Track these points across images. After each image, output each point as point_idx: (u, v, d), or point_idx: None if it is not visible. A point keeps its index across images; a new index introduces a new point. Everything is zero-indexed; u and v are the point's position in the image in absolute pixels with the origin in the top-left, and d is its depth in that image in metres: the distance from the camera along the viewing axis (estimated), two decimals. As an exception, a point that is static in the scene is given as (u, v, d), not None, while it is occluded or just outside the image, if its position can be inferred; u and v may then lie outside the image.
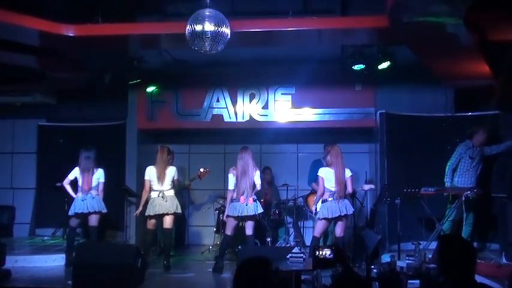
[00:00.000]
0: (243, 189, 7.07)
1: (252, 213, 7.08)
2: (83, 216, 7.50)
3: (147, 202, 7.45)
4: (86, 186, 7.42)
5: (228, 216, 7.20)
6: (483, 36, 5.94)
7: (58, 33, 6.70)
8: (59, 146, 9.58)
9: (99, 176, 7.55)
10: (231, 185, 7.21)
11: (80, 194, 7.45)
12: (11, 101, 9.61)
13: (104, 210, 7.53)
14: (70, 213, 7.51)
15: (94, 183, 7.49)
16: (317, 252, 4.79)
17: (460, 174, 7.47)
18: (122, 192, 8.72)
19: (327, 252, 4.63)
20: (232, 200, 7.16)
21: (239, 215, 7.08)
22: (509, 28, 5.82)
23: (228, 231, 7.25)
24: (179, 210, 7.48)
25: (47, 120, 10.13)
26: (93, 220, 7.49)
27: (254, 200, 7.13)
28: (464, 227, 7.31)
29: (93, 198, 7.43)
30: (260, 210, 7.20)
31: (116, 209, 9.11)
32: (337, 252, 3.94)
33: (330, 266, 4.80)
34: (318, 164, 8.25)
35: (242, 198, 7.06)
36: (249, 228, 7.19)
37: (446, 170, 7.50)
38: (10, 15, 6.31)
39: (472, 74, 7.39)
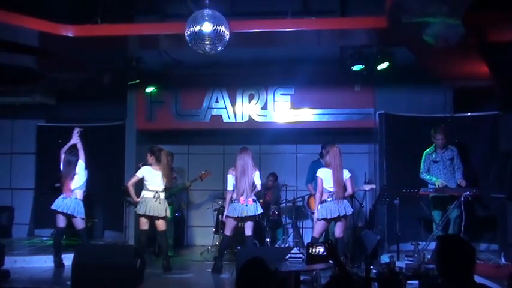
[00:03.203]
0: (242, 189, 7.07)
1: (252, 213, 7.09)
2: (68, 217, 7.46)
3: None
4: (67, 189, 7.37)
5: (227, 216, 7.21)
6: (482, 37, 5.94)
7: (57, 33, 6.70)
8: (58, 147, 9.56)
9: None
10: (229, 185, 7.22)
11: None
12: (10, 101, 9.61)
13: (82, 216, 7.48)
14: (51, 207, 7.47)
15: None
16: (310, 249, 4.80)
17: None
18: (120, 193, 8.71)
19: (320, 249, 4.63)
20: (232, 201, 7.17)
21: (239, 215, 7.08)
22: (508, 28, 5.82)
23: (228, 232, 7.25)
24: (168, 214, 7.48)
25: (46, 120, 10.13)
26: (79, 223, 7.46)
27: (254, 201, 7.14)
28: (450, 227, 7.33)
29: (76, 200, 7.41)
30: (260, 210, 7.21)
31: (114, 210, 9.12)
32: (329, 248, 3.95)
33: (323, 261, 4.80)
34: (316, 165, 8.26)
35: (242, 198, 7.06)
36: (248, 228, 7.19)
37: (421, 176, 7.54)
38: (10, 15, 6.32)
39: (471, 75, 7.39)
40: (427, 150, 7.60)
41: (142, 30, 7.19)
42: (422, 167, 7.57)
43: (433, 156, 7.54)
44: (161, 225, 7.38)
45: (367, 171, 8.90)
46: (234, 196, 7.14)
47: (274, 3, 7.94)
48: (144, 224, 7.40)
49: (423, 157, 7.59)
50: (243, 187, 7.07)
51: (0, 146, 10.19)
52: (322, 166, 7.82)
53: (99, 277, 5.69)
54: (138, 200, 7.33)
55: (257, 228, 7.93)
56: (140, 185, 7.48)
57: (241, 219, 7.18)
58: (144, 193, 7.35)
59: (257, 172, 7.23)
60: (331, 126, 8.90)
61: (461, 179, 7.35)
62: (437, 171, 7.51)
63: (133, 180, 7.39)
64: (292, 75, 8.79)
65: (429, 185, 7.48)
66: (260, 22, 6.98)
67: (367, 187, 7.89)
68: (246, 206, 7.06)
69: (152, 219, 7.34)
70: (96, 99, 9.30)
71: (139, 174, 7.37)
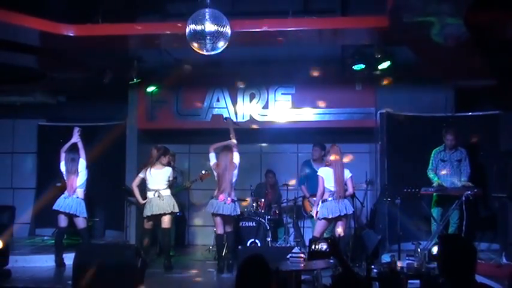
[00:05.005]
0: (223, 187, 7.15)
1: (228, 213, 7.17)
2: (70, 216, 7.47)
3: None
4: (71, 188, 7.38)
5: (212, 214, 7.25)
6: (483, 36, 5.94)
7: (58, 33, 6.71)
8: (59, 146, 9.56)
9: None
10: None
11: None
12: (11, 101, 9.61)
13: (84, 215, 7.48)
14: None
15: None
16: (313, 246, 4.80)
17: (439, 177, 7.51)
18: (121, 192, 8.71)
19: (323, 245, 4.64)
20: (212, 197, 7.27)
21: (215, 211, 7.17)
22: (509, 27, 5.81)
23: (218, 230, 7.34)
24: (176, 210, 7.48)
25: (47, 120, 10.13)
26: (80, 223, 7.45)
27: (233, 201, 7.21)
28: (451, 228, 7.34)
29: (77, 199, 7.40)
30: (237, 212, 7.32)
31: (116, 209, 9.12)
32: (332, 244, 3.95)
33: (325, 257, 4.80)
34: (307, 166, 8.28)
35: (221, 196, 7.13)
36: (227, 225, 7.31)
37: (428, 174, 7.54)
38: (10, 15, 6.32)
39: (472, 74, 7.39)
40: (437, 148, 7.61)
41: (143, 29, 7.19)
42: (430, 164, 7.59)
43: (442, 155, 7.55)
44: (167, 222, 7.38)
45: (368, 171, 8.89)
46: (216, 193, 7.22)
47: (275, 3, 7.93)
48: (149, 224, 7.43)
49: (432, 154, 7.60)
50: (224, 185, 7.15)
51: (1, 145, 10.19)
52: (312, 167, 7.89)
53: (100, 276, 5.69)
54: (143, 202, 7.37)
55: (258, 227, 7.96)
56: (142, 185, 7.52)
57: (222, 217, 7.23)
58: (147, 194, 7.38)
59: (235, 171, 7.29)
60: (332, 125, 8.89)
61: (466, 182, 7.33)
62: (444, 170, 7.51)
63: (136, 180, 7.44)
64: (293, 75, 8.79)
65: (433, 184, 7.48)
66: (261, 21, 6.98)
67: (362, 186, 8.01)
68: (224, 204, 7.12)
69: (158, 217, 7.34)
70: (97, 99, 9.29)
71: (141, 174, 7.41)
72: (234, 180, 7.26)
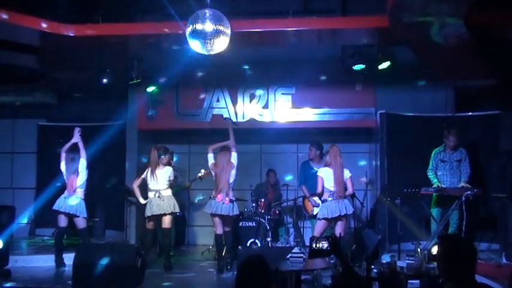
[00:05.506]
0: (221, 187, 7.15)
1: (226, 213, 7.17)
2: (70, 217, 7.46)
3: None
4: (71, 188, 7.38)
5: (211, 214, 7.25)
6: (483, 36, 5.93)
7: (58, 33, 6.70)
8: (59, 146, 9.56)
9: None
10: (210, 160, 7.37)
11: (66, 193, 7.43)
12: (11, 100, 9.61)
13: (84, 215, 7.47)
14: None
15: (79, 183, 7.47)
16: (314, 244, 4.81)
17: (439, 177, 7.52)
18: (122, 192, 8.71)
19: (324, 244, 4.65)
20: (210, 197, 7.27)
21: (213, 212, 7.17)
22: (509, 28, 5.81)
23: (217, 230, 7.34)
24: (177, 210, 7.48)
25: (47, 120, 10.13)
26: (80, 223, 7.45)
27: (231, 201, 7.20)
28: (451, 228, 7.35)
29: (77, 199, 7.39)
30: (236, 212, 7.30)
31: (116, 209, 9.12)
32: (333, 242, 3.95)
33: (326, 256, 4.80)
34: (306, 166, 8.29)
35: (220, 196, 7.13)
36: (226, 225, 7.30)
37: (428, 174, 7.55)
38: (10, 15, 6.31)
39: (473, 74, 7.38)
40: (437, 148, 7.61)
41: (143, 29, 7.19)
42: (430, 164, 7.60)
43: (441, 155, 7.56)
44: (167, 222, 7.38)
45: (368, 171, 8.89)
46: (213, 193, 7.23)
47: (275, 3, 7.93)
48: (151, 224, 7.43)
49: (432, 154, 7.61)
50: (221, 185, 7.15)
51: (1, 145, 10.19)
52: (311, 166, 7.87)
53: (100, 276, 5.69)
54: (144, 202, 7.37)
55: (258, 227, 7.96)
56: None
57: (220, 217, 7.22)
58: (148, 194, 7.38)
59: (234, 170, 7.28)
60: (332, 125, 8.90)
61: (465, 183, 7.33)
62: (444, 170, 7.51)
63: (137, 181, 7.46)
64: (293, 75, 8.79)
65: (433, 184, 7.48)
66: (261, 21, 6.98)
67: (363, 179, 8.01)
68: (222, 204, 7.12)
69: (159, 217, 7.34)
70: (97, 99, 9.30)
71: (143, 175, 7.40)
72: (232, 180, 7.25)
